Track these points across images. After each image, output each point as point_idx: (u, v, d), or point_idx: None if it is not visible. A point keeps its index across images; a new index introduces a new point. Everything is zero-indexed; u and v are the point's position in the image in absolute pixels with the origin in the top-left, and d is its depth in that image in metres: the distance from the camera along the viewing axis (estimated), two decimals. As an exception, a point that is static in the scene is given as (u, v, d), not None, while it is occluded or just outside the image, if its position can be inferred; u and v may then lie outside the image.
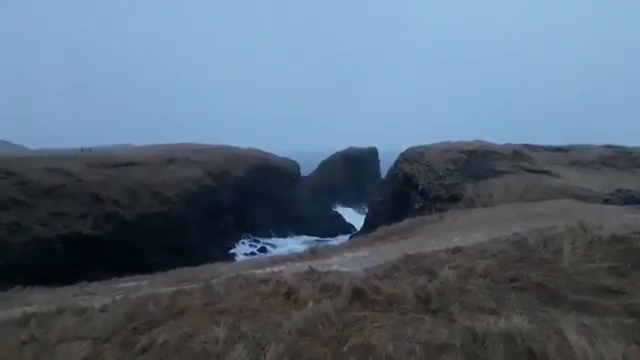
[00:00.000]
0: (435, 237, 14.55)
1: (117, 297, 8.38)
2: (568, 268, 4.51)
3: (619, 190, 32.64)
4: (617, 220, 7.05)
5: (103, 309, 6.40)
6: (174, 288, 8.19)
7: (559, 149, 51.02)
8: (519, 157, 41.57)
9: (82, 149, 54.83)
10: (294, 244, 55.62)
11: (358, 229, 62.57)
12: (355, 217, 78.71)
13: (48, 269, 28.64)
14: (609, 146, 50.52)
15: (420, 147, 47.22)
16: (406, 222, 22.50)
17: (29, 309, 8.31)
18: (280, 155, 78.90)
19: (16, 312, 7.45)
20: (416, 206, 38.06)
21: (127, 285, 14.16)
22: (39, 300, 11.86)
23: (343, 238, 63.02)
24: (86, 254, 34.15)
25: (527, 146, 50.24)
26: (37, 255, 31.42)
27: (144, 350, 4.23)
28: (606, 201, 28.22)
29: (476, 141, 46.48)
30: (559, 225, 6.92)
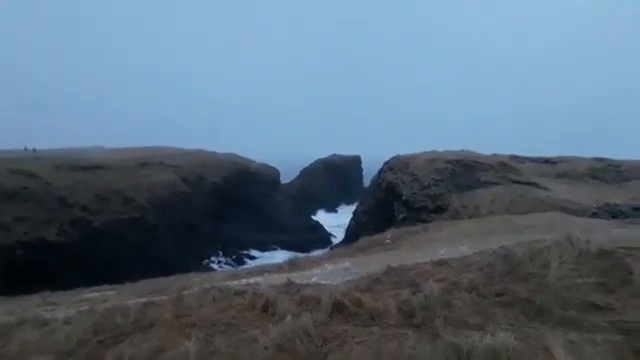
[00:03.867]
0: (419, 249, 14.62)
1: (82, 308, 8.20)
2: (555, 283, 4.56)
3: (607, 204, 33.30)
4: (605, 234, 7.17)
5: (67, 321, 6.25)
6: (143, 299, 8.06)
7: (547, 161, 51.82)
8: (506, 168, 42.13)
9: (25, 149, 53.94)
10: (272, 255, 55.42)
11: (337, 236, 63.13)
12: (335, 222, 79.49)
13: (8, 277, 28.02)
14: (598, 159, 51.44)
15: (405, 156, 47.54)
16: (389, 233, 22.56)
17: (-14, 320, 8.09)
18: (259, 161, 78.71)
19: (-28, 323, 7.23)
20: (400, 217, 38.24)
21: (93, 295, 13.87)
22: (-3, 310, 11.56)
23: (321, 242, 63.50)
24: (50, 262, 33.53)
25: (514, 157, 50.96)
26: (-3, 262, 30.75)
27: (110, 365, 4.15)
28: (594, 215, 28.75)
29: (462, 151, 47.00)
30: (546, 239, 7.00)
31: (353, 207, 68.11)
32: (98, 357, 4.37)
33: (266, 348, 3.80)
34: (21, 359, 4.73)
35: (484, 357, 3.08)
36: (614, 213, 30.72)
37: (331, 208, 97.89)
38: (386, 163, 50.20)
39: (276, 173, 79.75)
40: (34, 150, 53.36)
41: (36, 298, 14.42)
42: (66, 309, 9.41)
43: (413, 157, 45.96)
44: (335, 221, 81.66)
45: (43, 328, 5.97)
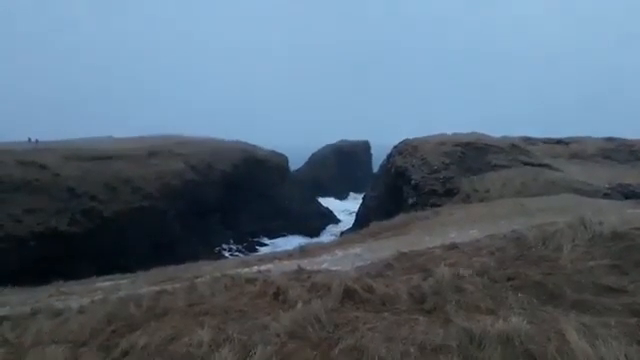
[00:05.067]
0: (430, 233, 14.62)
1: (95, 298, 8.31)
2: (568, 266, 4.54)
3: (620, 184, 32.97)
4: (618, 216, 7.09)
5: (80, 310, 6.35)
6: (156, 288, 8.15)
7: (559, 142, 51.32)
8: (517, 150, 41.77)
9: (29, 140, 54.14)
10: (282, 242, 55.67)
11: (346, 221, 63.73)
12: (344, 207, 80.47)
13: (22, 268, 28.38)
14: (610, 138, 50.80)
15: (414, 140, 47.24)
16: (400, 218, 22.58)
17: (1, 311, 8.23)
18: (268, 148, 78.65)
19: (-13, 314, 7.35)
20: (410, 201, 38.11)
21: (106, 285, 14.06)
22: (12, 301, 11.74)
23: (331, 228, 64.34)
24: (62, 252, 33.85)
25: (525, 139, 50.51)
26: (9, 253, 31.06)
27: (124, 354, 4.20)
28: (606, 195, 28.49)
29: (472, 133, 46.56)
30: (559, 221, 6.96)
31: (362, 195, 68.67)
32: (112, 346, 4.43)
33: (278, 335, 3.83)
34: (36, 349, 4.80)
35: (497, 342, 3.08)
36: (627, 193, 30.41)
37: (341, 195, 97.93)
38: (395, 147, 49.88)
39: (285, 160, 79.61)
40: (37, 141, 53.36)
41: (49, 288, 14.65)
42: (79, 299, 9.56)
43: (422, 141, 45.63)
44: (345, 207, 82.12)
45: (57, 318, 6.06)
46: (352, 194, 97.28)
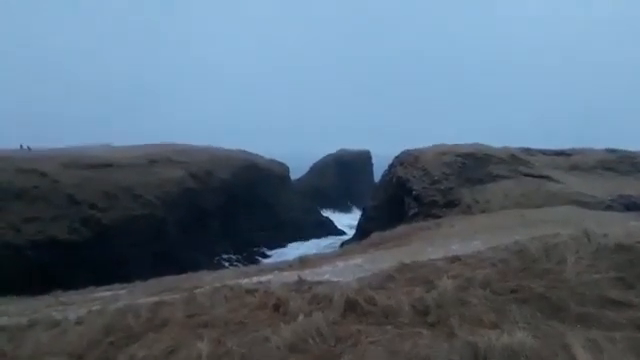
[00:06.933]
0: (432, 245, 14.55)
1: (94, 308, 8.24)
2: (572, 279, 4.49)
3: (621, 196, 32.86)
4: (622, 228, 7.06)
5: (78, 321, 6.29)
6: (155, 299, 8.09)
7: (559, 153, 51.21)
8: (517, 161, 41.75)
9: (21, 147, 53.98)
10: (282, 252, 55.50)
11: (349, 234, 63.46)
12: (346, 221, 79.99)
13: (19, 277, 28.27)
14: (611, 150, 50.66)
15: (415, 150, 47.28)
16: (401, 228, 22.51)
17: (-1, 321, 8.15)
18: (268, 157, 78.61)
19: (-16, 324, 7.30)
20: (411, 212, 38.09)
21: (104, 295, 13.97)
22: (9, 311, 11.65)
23: (332, 239, 63.92)
24: (61, 261, 33.76)
25: (525, 150, 50.44)
26: (7, 262, 30.97)
27: (122, 366, 4.16)
28: (608, 207, 28.41)
29: (473, 144, 46.57)
30: (562, 233, 6.92)
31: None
32: (110, 358, 4.38)
33: (278, 348, 3.79)
34: (33, 361, 4.76)
35: (502, 356, 3.04)
36: (628, 205, 30.30)
37: (344, 207, 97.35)
38: (396, 158, 49.96)
39: (285, 169, 79.50)
40: (29, 148, 53.04)
41: (48, 298, 14.56)
42: (77, 309, 9.48)
43: (423, 151, 45.67)
44: (349, 221, 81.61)
45: (55, 329, 6.01)
46: (355, 209, 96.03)
